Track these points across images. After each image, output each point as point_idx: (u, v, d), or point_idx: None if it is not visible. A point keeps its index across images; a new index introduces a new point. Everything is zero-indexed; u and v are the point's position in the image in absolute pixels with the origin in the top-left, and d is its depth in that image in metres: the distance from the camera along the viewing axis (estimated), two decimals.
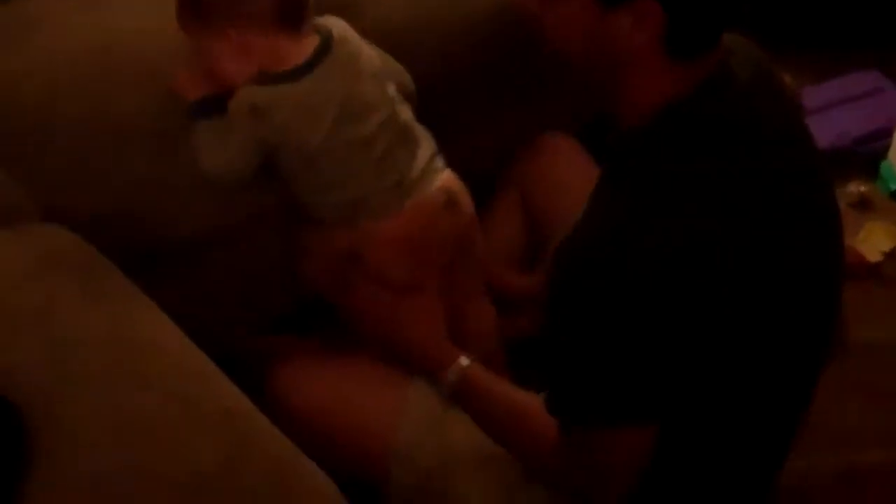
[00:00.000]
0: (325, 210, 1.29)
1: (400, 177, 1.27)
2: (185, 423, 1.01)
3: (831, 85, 2.09)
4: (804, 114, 1.95)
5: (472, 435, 1.19)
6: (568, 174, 1.48)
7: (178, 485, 0.97)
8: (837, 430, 1.50)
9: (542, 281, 1.15)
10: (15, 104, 1.20)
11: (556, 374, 0.99)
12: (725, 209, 0.91)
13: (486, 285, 1.41)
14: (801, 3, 2.13)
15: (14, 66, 1.21)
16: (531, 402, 1.07)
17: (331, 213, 1.29)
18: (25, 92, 1.21)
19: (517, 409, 1.13)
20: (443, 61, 1.43)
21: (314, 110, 1.21)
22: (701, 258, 0.88)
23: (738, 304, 0.91)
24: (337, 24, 1.26)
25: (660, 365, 0.92)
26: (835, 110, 2.03)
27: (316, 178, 1.25)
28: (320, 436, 1.17)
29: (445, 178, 1.32)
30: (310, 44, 1.23)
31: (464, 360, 1.21)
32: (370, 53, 1.28)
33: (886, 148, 1.94)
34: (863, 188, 1.89)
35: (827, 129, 1.93)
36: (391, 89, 1.29)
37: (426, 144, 1.31)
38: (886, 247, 1.80)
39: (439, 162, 1.33)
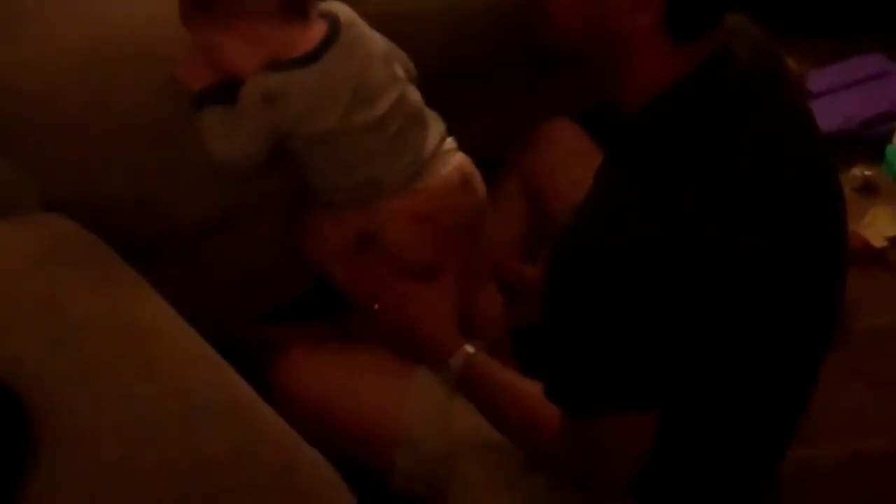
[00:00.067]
0: (338, 193, 1.29)
1: (413, 157, 1.27)
2: (189, 412, 1.02)
3: (836, 68, 2.07)
4: (806, 93, 1.95)
5: (476, 424, 1.19)
6: (570, 161, 1.47)
7: (181, 474, 0.97)
8: (841, 417, 1.49)
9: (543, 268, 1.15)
10: (15, 95, 1.20)
11: (555, 361, 0.99)
12: (725, 196, 0.90)
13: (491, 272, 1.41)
14: None
15: (13, 57, 1.21)
16: (535, 391, 1.07)
17: (344, 196, 1.29)
18: (25, 83, 1.20)
19: (521, 397, 1.13)
20: (443, 49, 1.43)
21: (328, 95, 1.21)
22: (700, 246, 0.88)
23: (737, 292, 0.91)
24: (342, 9, 1.26)
25: (658, 352, 0.92)
26: (840, 94, 2.02)
27: (330, 161, 1.25)
28: (324, 424, 1.18)
29: (460, 159, 1.32)
30: (318, 30, 1.22)
31: (469, 348, 1.21)
32: (375, 36, 1.28)
33: (892, 132, 1.93)
34: (867, 172, 1.88)
35: (833, 113, 1.92)
36: (400, 70, 1.29)
37: (436, 125, 1.32)
38: (891, 232, 1.78)
39: (453, 143, 1.33)
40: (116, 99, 1.23)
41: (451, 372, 1.20)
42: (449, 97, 1.34)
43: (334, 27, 1.23)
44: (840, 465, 1.45)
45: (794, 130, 1.00)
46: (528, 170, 1.52)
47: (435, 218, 1.29)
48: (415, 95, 1.30)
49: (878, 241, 1.77)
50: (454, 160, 1.31)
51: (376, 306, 1.29)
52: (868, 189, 1.87)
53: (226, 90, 1.22)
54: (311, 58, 1.21)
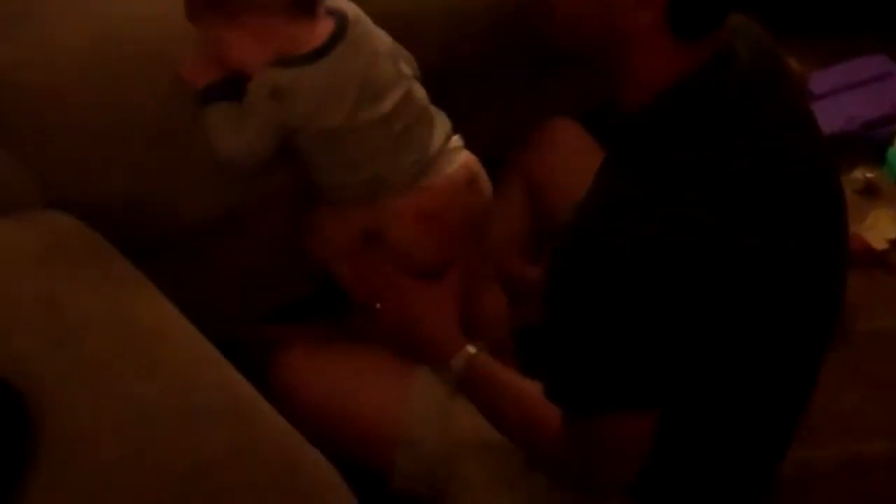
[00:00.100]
0: (344, 190, 1.29)
1: (419, 154, 1.27)
2: (189, 410, 1.02)
3: (838, 70, 2.07)
4: (808, 93, 1.95)
5: (476, 424, 1.19)
6: (572, 160, 1.47)
7: (181, 473, 0.97)
8: (841, 418, 1.49)
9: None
10: (16, 93, 1.20)
11: (555, 361, 0.99)
12: (726, 196, 0.90)
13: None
14: None
15: (14, 55, 1.21)
16: (535, 391, 1.07)
17: (350, 193, 1.29)
18: (26, 81, 1.20)
19: (521, 398, 1.13)
20: (443, 49, 1.43)
21: (336, 91, 1.21)
22: (701, 246, 0.88)
23: (738, 292, 0.91)
24: (349, 6, 1.26)
25: (659, 352, 0.92)
26: (842, 95, 2.02)
27: (335, 158, 1.25)
28: (324, 424, 1.18)
29: (466, 157, 1.32)
30: (325, 26, 1.22)
31: (471, 349, 1.21)
32: (381, 33, 1.28)
33: (894, 134, 1.93)
34: (869, 174, 1.88)
35: (835, 115, 1.92)
36: (406, 68, 1.29)
37: (442, 123, 1.32)
38: (893, 234, 1.78)
39: (459, 141, 1.33)
40: (118, 97, 1.23)
41: (453, 373, 1.20)
42: (449, 97, 1.34)
43: (342, 24, 1.23)
44: (840, 466, 1.45)
45: (795, 131, 1.00)
46: (529, 169, 1.52)
47: (440, 216, 1.29)
48: (421, 93, 1.30)
49: (879, 244, 1.77)
50: (460, 158, 1.31)
51: (378, 305, 1.29)
52: (870, 191, 1.87)
53: (231, 87, 1.22)
54: (320, 54, 1.20)
